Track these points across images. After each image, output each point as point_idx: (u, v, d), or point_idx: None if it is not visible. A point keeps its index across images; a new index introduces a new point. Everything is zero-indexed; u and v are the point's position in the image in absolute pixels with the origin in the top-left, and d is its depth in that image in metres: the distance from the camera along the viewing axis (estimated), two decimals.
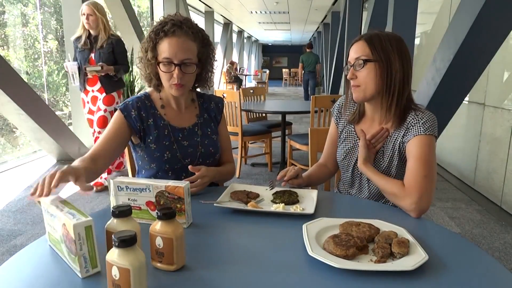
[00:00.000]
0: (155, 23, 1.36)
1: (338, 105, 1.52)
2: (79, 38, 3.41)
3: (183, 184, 1.02)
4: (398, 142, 1.30)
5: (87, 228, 0.77)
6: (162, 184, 1.02)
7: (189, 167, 1.30)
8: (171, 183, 1.02)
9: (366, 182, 1.39)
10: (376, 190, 1.37)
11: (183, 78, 1.33)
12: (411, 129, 1.26)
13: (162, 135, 1.41)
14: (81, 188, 1.03)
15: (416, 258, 0.84)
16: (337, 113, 1.51)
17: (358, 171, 1.40)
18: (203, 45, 1.40)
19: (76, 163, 1.18)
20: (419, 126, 1.24)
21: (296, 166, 1.38)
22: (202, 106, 1.53)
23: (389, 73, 1.26)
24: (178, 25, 1.32)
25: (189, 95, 1.50)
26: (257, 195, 1.24)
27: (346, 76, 1.35)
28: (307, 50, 11.01)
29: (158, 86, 1.44)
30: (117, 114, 1.40)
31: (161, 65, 1.34)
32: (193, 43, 1.35)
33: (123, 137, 1.39)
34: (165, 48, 1.32)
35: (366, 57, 1.26)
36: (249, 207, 1.14)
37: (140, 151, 1.43)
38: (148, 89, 1.51)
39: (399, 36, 1.30)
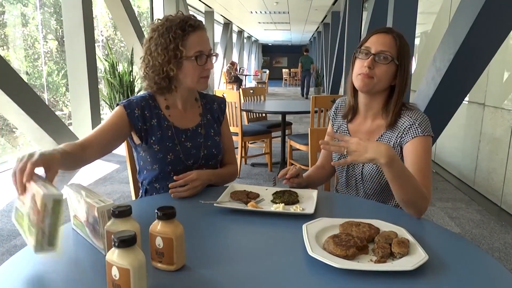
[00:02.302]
0: (167, 23, 1.33)
1: (335, 107, 1.52)
2: None
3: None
4: (392, 142, 1.30)
5: (56, 202, 0.72)
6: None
7: (174, 177, 1.27)
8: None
9: (361, 182, 1.39)
10: (371, 191, 1.37)
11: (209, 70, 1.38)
12: (408, 131, 1.26)
13: (165, 136, 1.40)
14: (49, 179, 0.93)
15: (416, 258, 0.84)
16: (333, 114, 1.52)
17: (353, 171, 1.40)
18: None
19: (57, 147, 1.09)
20: (416, 127, 1.25)
21: (296, 165, 1.38)
22: (205, 107, 1.52)
23: (404, 78, 1.28)
24: (198, 20, 1.37)
25: (192, 93, 1.49)
26: (257, 195, 1.24)
27: (354, 58, 1.31)
28: (305, 53, 14.40)
29: (169, 88, 1.39)
30: (119, 109, 1.37)
31: (197, 59, 1.34)
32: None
33: (120, 133, 1.36)
34: (196, 41, 1.33)
35: (393, 56, 1.26)
36: (249, 207, 1.14)
37: (142, 152, 1.42)
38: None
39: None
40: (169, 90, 1.40)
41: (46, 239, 0.74)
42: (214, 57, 1.40)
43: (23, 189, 0.87)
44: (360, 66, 1.28)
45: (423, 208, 1.12)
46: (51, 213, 0.74)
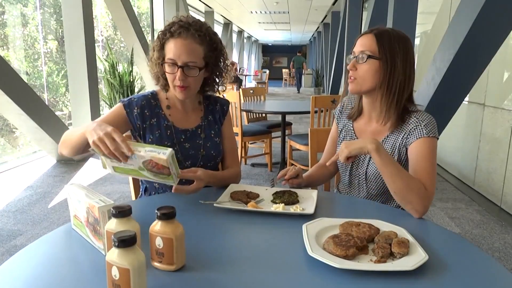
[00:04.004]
0: (166, 23, 1.37)
1: (340, 105, 1.52)
2: None
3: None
4: (398, 144, 1.30)
5: (173, 155, 1.06)
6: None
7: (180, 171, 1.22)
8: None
9: (364, 182, 1.39)
10: (375, 191, 1.36)
11: (185, 81, 1.33)
12: (413, 131, 1.25)
13: (164, 135, 1.40)
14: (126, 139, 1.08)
15: (416, 258, 0.84)
16: (338, 113, 1.52)
17: (356, 171, 1.40)
18: (211, 49, 1.38)
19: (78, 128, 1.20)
20: (422, 128, 1.24)
21: (296, 166, 1.38)
22: (207, 108, 1.52)
23: (391, 73, 1.26)
24: (185, 27, 1.32)
25: (196, 97, 1.49)
26: (257, 195, 1.24)
27: (346, 65, 1.34)
28: (298, 54, 17.46)
29: (165, 86, 1.43)
30: (119, 106, 1.39)
31: (165, 65, 1.34)
32: (199, 46, 1.34)
33: (118, 129, 1.37)
34: (170, 49, 1.32)
35: (372, 53, 1.25)
36: (249, 207, 1.14)
37: None
38: (155, 88, 1.50)
39: (407, 36, 1.29)
40: (166, 87, 1.43)
41: (176, 177, 1.12)
42: (195, 70, 1.33)
43: (125, 157, 1.07)
44: (348, 68, 1.32)
45: (421, 206, 1.12)
46: (173, 163, 1.07)
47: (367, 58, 1.26)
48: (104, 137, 1.06)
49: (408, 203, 1.14)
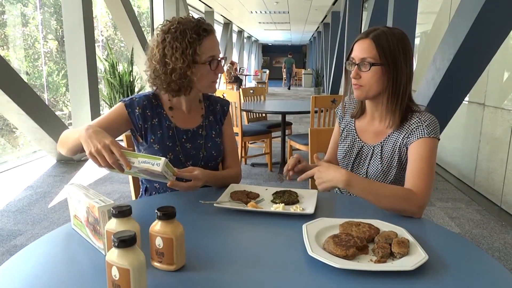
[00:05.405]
0: (180, 26, 1.31)
1: (343, 105, 1.52)
2: None
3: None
4: (398, 143, 1.30)
5: (167, 164, 1.08)
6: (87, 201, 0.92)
7: (177, 170, 1.18)
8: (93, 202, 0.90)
9: None
10: None
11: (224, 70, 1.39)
12: (414, 131, 1.25)
13: (166, 136, 1.40)
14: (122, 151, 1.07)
15: (416, 258, 0.84)
16: (340, 112, 1.52)
17: (357, 171, 1.40)
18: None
19: (78, 128, 1.18)
20: (423, 128, 1.24)
21: (294, 155, 1.37)
22: (208, 108, 1.52)
23: (395, 76, 1.25)
24: (209, 23, 1.37)
25: (196, 96, 1.49)
26: (257, 195, 1.24)
27: (345, 70, 1.34)
28: (289, 55, 19.76)
29: (187, 89, 1.37)
30: (120, 106, 1.38)
31: (211, 64, 1.34)
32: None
33: (118, 129, 1.36)
34: (209, 46, 1.33)
35: (373, 60, 1.24)
36: (249, 207, 1.14)
37: (143, 150, 1.42)
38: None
39: (403, 33, 1.28)
40: (185, 91, 1.38)
41: (170, 177, 1.13)
42: (223, 61, 1.40)
43: (122, 169, 1.08)
44: (351, 77, 1.31)
45: (415, 209, 1.13)
46: (167, 169, 1.10)
47: (370, 66, 1.24)
48: (102, 149, 1.06)
49: (402, 211, 1.14)
